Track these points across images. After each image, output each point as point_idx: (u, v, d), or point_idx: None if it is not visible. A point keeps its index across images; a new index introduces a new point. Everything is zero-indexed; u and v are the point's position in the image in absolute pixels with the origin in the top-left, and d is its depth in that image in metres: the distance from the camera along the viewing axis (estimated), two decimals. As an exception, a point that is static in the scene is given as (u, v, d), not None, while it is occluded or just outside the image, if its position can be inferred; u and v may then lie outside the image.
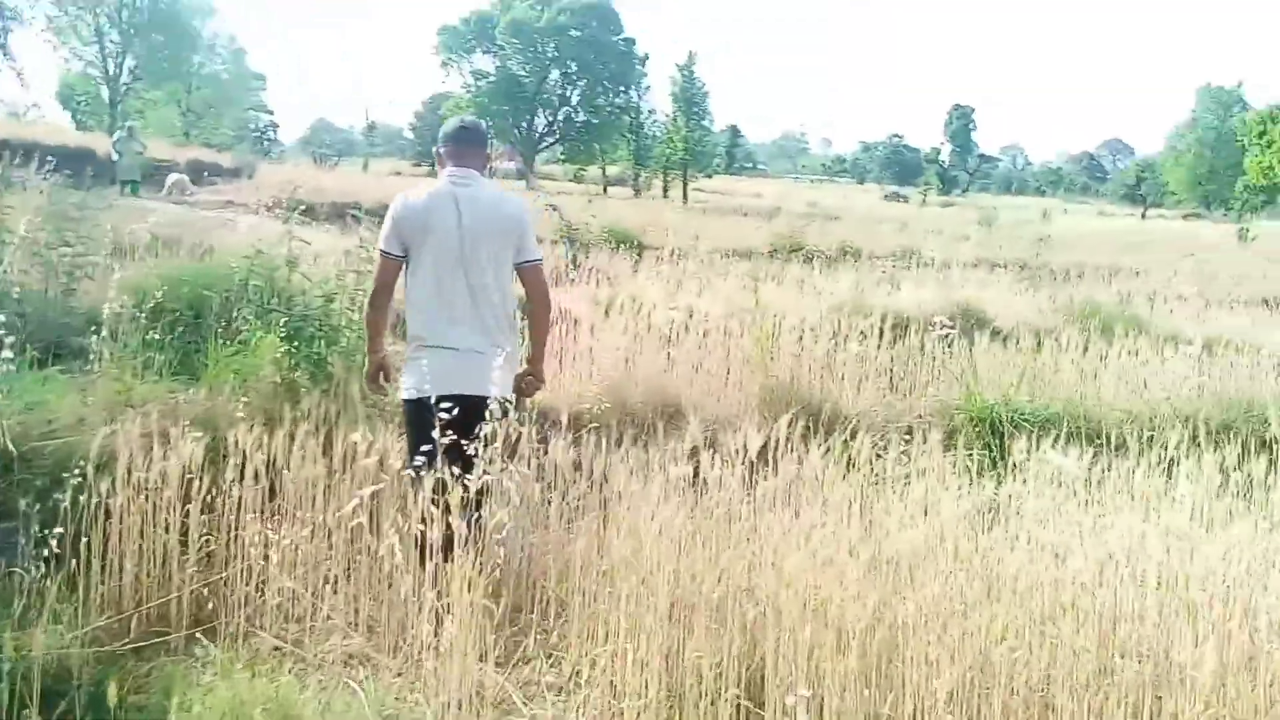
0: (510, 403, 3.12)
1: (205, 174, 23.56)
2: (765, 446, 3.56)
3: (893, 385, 6.53)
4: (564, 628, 3.11)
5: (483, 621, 2.59)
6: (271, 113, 68.89)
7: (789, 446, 3.60)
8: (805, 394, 5.70)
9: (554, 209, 13.40)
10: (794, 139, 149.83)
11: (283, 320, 4.63)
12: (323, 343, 4.65)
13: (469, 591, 2.50)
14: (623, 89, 41.66)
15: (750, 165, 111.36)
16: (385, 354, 3.61)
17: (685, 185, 45.19)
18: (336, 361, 4.51)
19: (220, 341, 4.82)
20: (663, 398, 5.54)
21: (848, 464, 3.71)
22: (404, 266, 3.39)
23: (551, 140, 43.11)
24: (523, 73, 39.74)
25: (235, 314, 5.00)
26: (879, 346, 6.56)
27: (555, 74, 41.01)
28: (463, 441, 2.84)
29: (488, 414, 2.84)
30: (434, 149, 3.57)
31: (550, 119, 42.06)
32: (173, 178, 20.87)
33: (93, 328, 4.30)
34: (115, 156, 20.54)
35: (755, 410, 5.63)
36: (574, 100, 41.73)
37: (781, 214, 28.00)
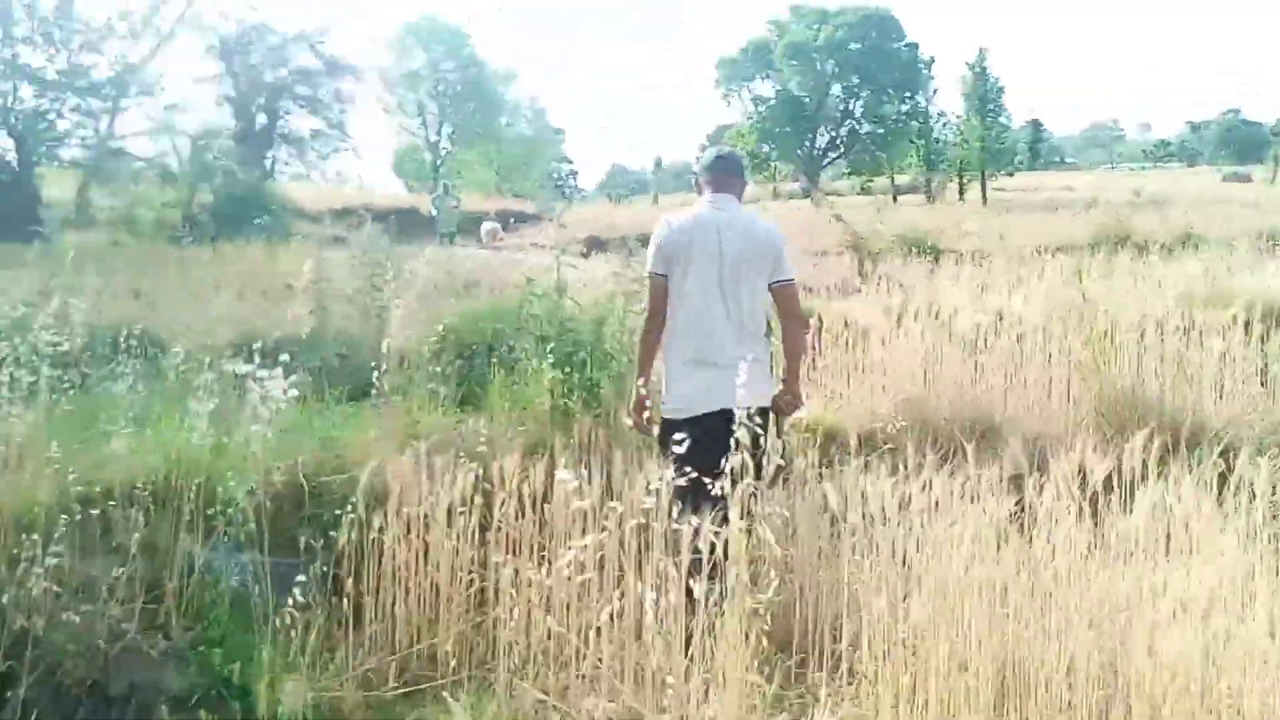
0: (766, 416, 3.12)
1: (512, 220, 25.45)
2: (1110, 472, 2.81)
3: (1268, 389, 5.28)
4: (858, 696, 2.54)
5: (753, 690, 2.12)
6: (571, 162, 74.01)
7: (1144, 472, 2.81)
8: (1153, 404, 4.72)
9: (838, 218, 12.79)
10: (1106, 127, 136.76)
11: (553, 347, 4.51)
12: (593, 367, 4.47)
13: (736, 656, 2.05)
14: (908, 95, 39.85)
15: (1058, 160, 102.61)
16: (650, 384, 3.51)
17: (984, 185, 42.25)
18: (607, 385, 4.31)
19: (500, 372, 4.80)
20: (972, 413, 4.81)
21: (1221, 490, 2.87)
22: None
23: (835, 155, 42.13)
24: (803, 92, 39.22)
25: (514, 344, 4.98)
26: (1246, 342, 5.33)
27: (836, 89, 40.09)
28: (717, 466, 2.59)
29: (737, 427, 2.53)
30: (693, 178, 3.70)
31: (833, 134, 41.12)
32: (486, 226, 22.62)
33: (374, 364, 4.39)
34: (434, 213, 22.66)
35: (1090, 426, 4.74)
36: (857, 113, 40.53)
37: (1100, 205, 25.24)
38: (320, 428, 4.21)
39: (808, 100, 39.12)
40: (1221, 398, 4.99)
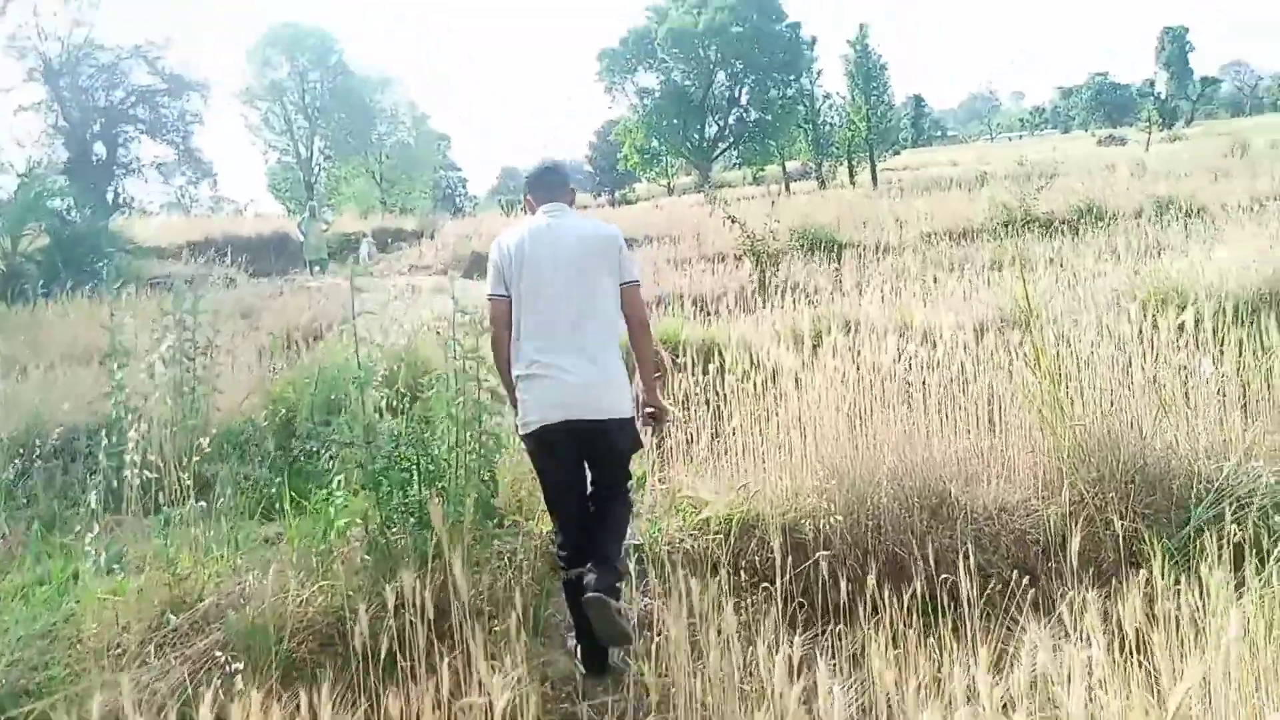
0: (627, 430, 3.25)
1: (390, 241, 23.93)
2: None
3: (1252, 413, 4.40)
4: None
5: None
6: (460, 169, 71.84)
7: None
8: (1134, 449, 3.80)
9: (732, 220, 11.84)
10: (983, 97, 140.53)
11: (363, 455, 3.31)
12: (422, 483, 3.30)
13: None
14: (793, 78, 39.38)
15: (939, 134, 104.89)
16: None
17: (874, 167, 42.31)
18: (446, 506, 3.15)
19: (300, 485, 3.59)
20: (918, 482, 3.81)
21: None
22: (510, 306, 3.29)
23: (725, 146, 41.46)
24: (688, 82, 38.33)
25: (316, 447, 3.78)
26: (1221, 352, 4.48)
27: (721, 76, 39.34)
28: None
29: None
30: (523, 195, 3.55)
31: (721, 124, 40.42)
32: (362, 249, 21.05)
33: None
34: (301, 237, 20.94)
35: (1058, 483, 3.80)
36: (744, 100, 39.87)
37: (990, 180, 25.07)
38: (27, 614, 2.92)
39: (693, 89, 38.30)
40: (1224, 435, 4.07)
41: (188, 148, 20.84)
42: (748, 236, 11.86)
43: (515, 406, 3.28)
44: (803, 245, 13.71)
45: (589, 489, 3.29)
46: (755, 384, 4.65)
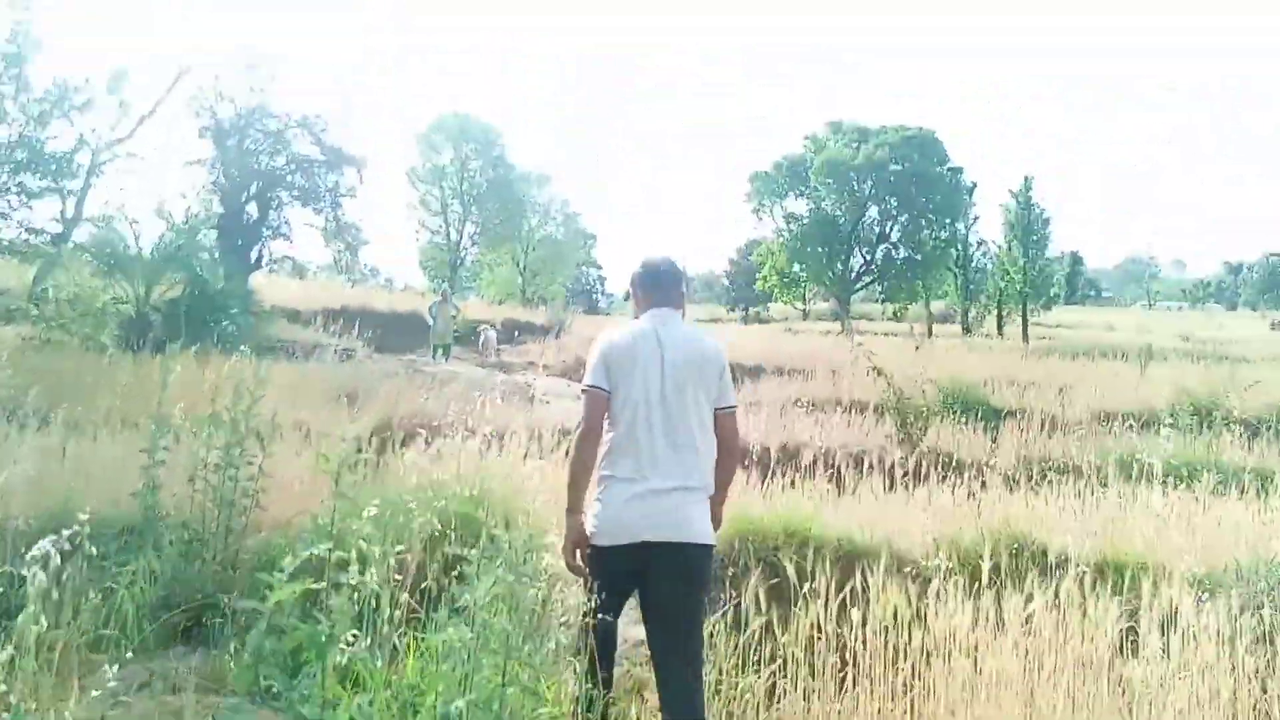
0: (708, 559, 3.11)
1: (516, 333, 23.60)
2: None
3: None
4: None
5: None
6: (600, 267, 72.99)
7: None
8: None
9: (878, 372, 10.56)
10: (1142, 261, 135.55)
11: None
12: None
13: None
14: (948, 221, 38.14)
15: (1094, 293, 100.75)
16: (584, 516, 3.13)
17: (1025, 321, 40.19)
18: None
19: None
20: None
21: None
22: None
23: (869, 280, 40.25)
24: (838, 212, 37.56)
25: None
26: None
27: (873, 211, 38.47)
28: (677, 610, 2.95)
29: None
30: (629, 290, 3.45)
31: (867, 257, 39.32)
32: (484, 336, 20.62)
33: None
34: (430, 321, 20.75)
35: None
36: (894, 236, 38.78)
37: (1160, 355, 22.95)
38: None
39: (842, 220, 37.47)
40: None
41: (337, 218, 21.09)
42: (893, 391, 10.55)
43: (571, 511, 3.12)
44: (952, 407, 12.25)
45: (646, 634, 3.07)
46: (904, 640, 3.39)
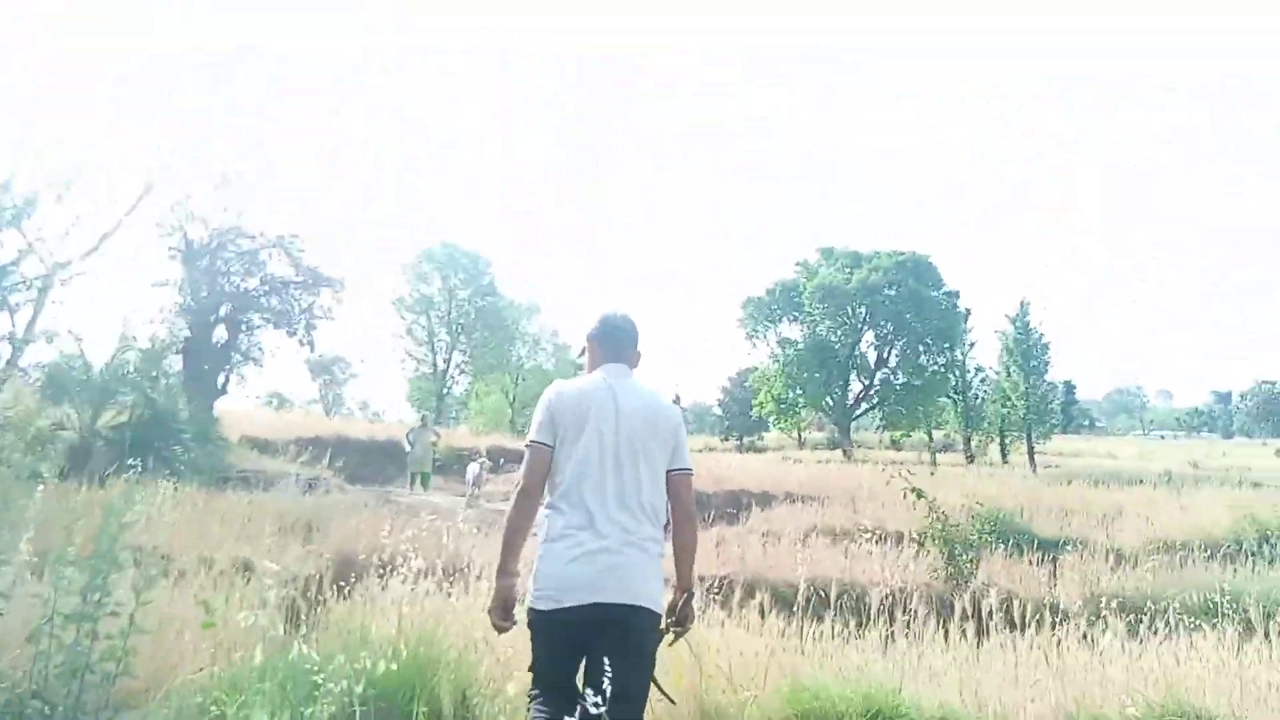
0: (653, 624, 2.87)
1: (502, 461, 22.15)
2: None
3: None
4: None
5: None
6: (590, 399, 71.72)
7: None
8: None
9: (918, 495, 9.11)
10: (1129, 391, 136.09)
11: None
12: None
13: None
14: (946, 346, 37.31)
15: (1087, 423, 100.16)
16: (516, 579, 2.95)
17: (1031, 449, 38.91)
18: None
19: None
20: None
21: None
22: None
23: (868, 406, 39.06)
24: (833, 338, 36.69)
25: None
26: None
27: (870, 335, 37.66)
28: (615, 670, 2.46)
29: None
30: (584, 345, 3.28)
31: (866, 382, 38.22)
32: (471, 469, 18.95)
33: None
34: (408, 447, 19.32)
35: None
36: (892, 362, 37.82)
37: (1174, 480, 21.67)
38: None
39: (839, 345, 36.56)
40: None
41: (311, 341, 19.88)
42: (937, 517, 9.09)
43: (505, 573, 2.90)
44: (993, 535, 10.75)
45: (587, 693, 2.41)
46: None
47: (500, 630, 2.98)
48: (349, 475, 19.05)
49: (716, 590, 8.47)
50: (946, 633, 6.16)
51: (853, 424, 40.44)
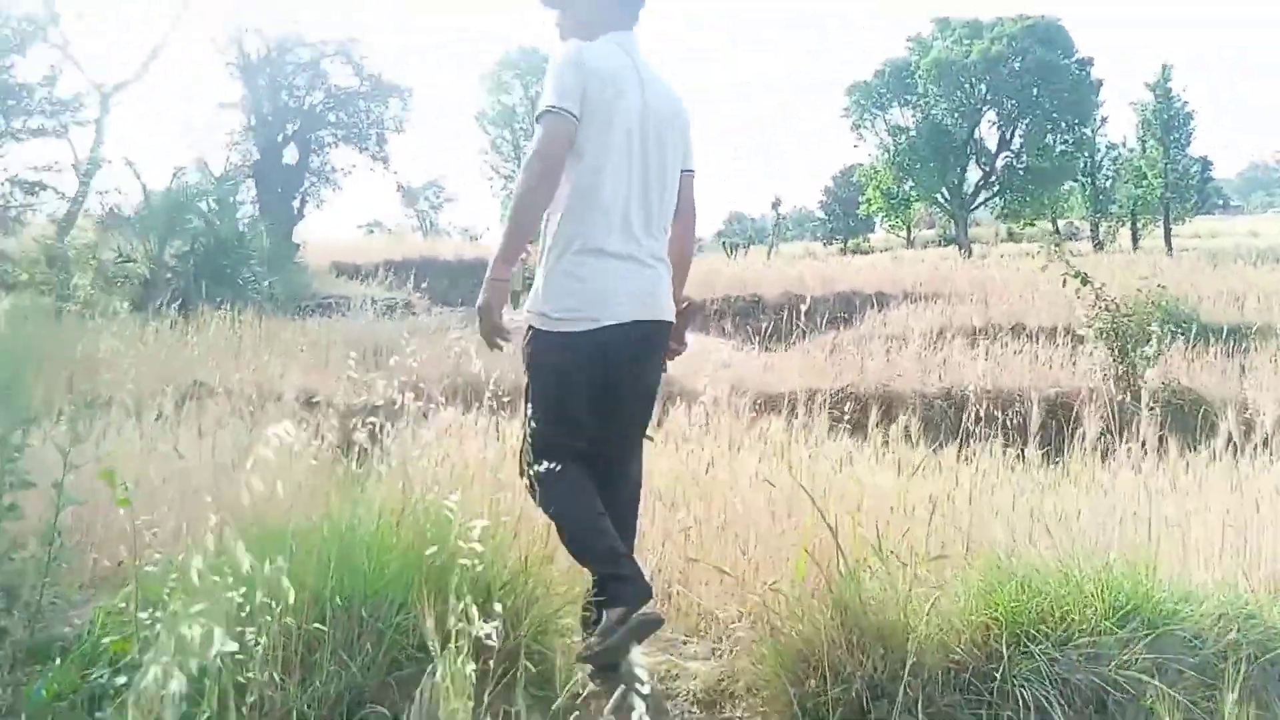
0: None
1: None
2: None
3: None
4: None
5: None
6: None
7: None
8: None
9: (1081, 279, 7.50)
10: (1269, 167, 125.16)
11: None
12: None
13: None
14: (1076, 122, 33.61)
15: (1220, 203, 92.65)
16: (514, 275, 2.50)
17: (1168, 231, 35.60)
18: None
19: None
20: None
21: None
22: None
23: (988, 195, 36.04)
24: (949, 121, 33.37)
25: None
26: None
27: (991, 115, 34.17)
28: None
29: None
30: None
31: (986, 168, 35.05)
32: None
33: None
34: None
35: None
36: (1015, 144, 34.40)
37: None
38: None
39: (955, 129, 33.31)
40: None
41: (385, 157, 18.73)
42: (1104, 306, 7.50)
43: (505, 262, 2.39)
44: (1165, 325, 9.06)
45: None
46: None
47: (501, 336, 2.40)
48: (437, 297, 18.34)
49: (835, 408, 7.24)
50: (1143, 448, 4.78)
51: (969, 217, 37.66)
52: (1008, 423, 6.88)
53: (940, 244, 48.08)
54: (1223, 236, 46.96)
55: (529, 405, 2.47)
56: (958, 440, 5.47)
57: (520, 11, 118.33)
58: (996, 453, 5.73)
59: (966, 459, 5.00)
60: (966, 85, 32.80)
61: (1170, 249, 34.63)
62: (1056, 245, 10.40)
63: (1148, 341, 7.46)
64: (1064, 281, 7.68)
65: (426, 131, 52.48)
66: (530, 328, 2.46)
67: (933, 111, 33.35)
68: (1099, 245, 36.13)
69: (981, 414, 6.13)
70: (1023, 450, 5.19)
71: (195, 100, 35.20)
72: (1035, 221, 37.49)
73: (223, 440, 4.96)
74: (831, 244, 58.98)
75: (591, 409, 2.42)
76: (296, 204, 17.78)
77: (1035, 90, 32.19)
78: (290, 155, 17.93)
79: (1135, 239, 36.37)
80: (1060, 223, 47.07)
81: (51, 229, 12.76)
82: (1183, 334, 8.46)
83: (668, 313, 2.54)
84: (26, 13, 12.78)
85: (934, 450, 5.38)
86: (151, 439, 4.66)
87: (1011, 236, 47.51)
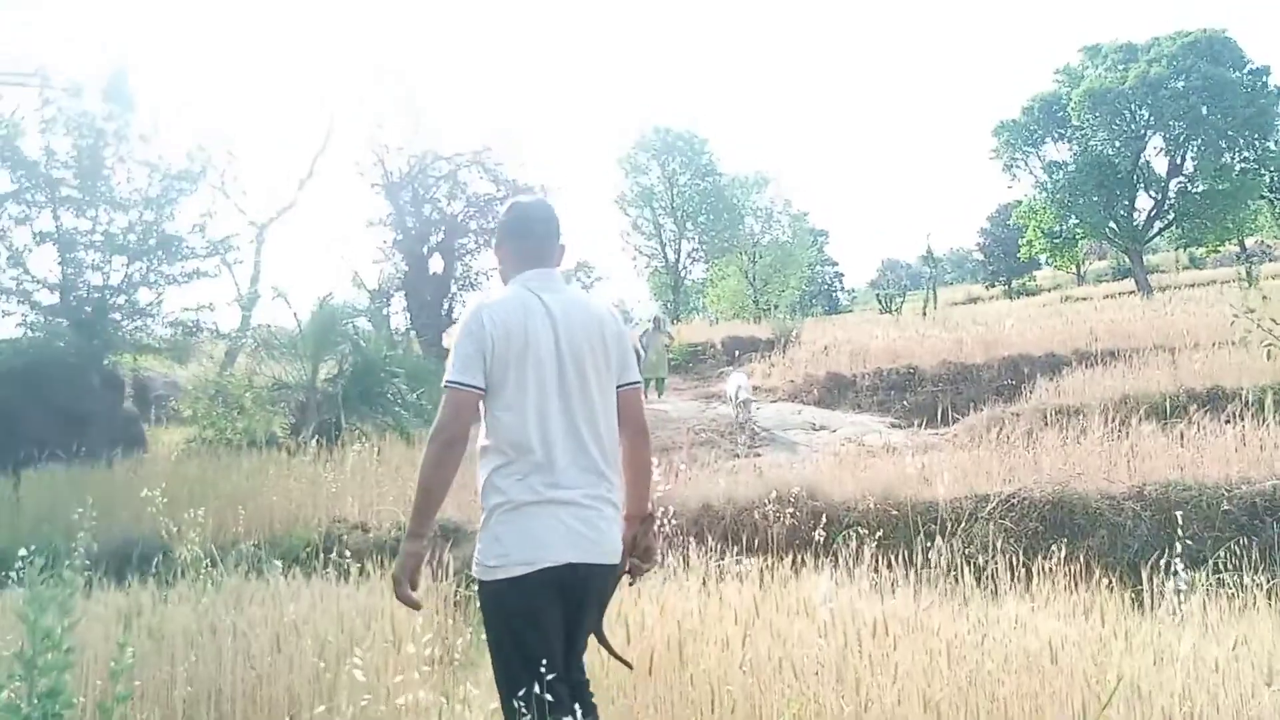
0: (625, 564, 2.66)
1: (738, 353, 20.55)
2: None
3: None
4: None
5: None
6: (836, 264, 68.17)
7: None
8: None
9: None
10: None
11: None
12: None
13: None
14: (1256, 137, 30.74)
15: None
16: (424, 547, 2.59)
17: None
18: None
19: None
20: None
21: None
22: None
23: (1163, 225, 33.30)
24: (1110, 150, 31.11)
25: None
26: None
27: (1157, 141, 31.72)
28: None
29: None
30: (494, 246, 2.89)
31: (1157, 196, 32.44)
32: (735, 382, 13.61)
33: None
34: (641, 353, 18.20)
35: None
36: (1188, 167, 31.75)
37: None
38: None
39: (1118, 159, 31.05)
40: None
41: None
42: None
43: (416, 536, 2.52)
44: None
45: None
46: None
47: (412, 606, 2.62)
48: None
49: (1004, 518, 6.36)
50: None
51: (1146, 247, 34.90)
52: (1221, 533, 5.85)
53: (1114, 277, 44.83)
54: None
55: (493, 661, 2.53)
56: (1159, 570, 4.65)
57: (646, 94, 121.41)
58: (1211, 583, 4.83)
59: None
60: (1126, 112, 30.62)
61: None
62: (1249, 275, 9.13)
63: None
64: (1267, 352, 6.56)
65: (571, 221, 53.81)
66: (478, 581, 2.54)
67: (1091, 143, 31.25)
68: (1299, 267, 32.74)
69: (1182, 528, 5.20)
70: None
71: (345, 223, 37.47)
72: (1220, 247, 34.41)
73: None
74: (995, 286, 56.09)
75: (542, 643, 2.44)
76: (444, 310, 18.26)
77: (1205, 109, 29.69)
78: (436, 265, 18.48)
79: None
80: (1249, 241, 43.07)
81: (213, 366, 13.45)
82: None
83: (609, 554, 2.53)
84: (183, 167, 13.71)
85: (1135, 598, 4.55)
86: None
87: (1193, 263, 43.83)
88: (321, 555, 6.12)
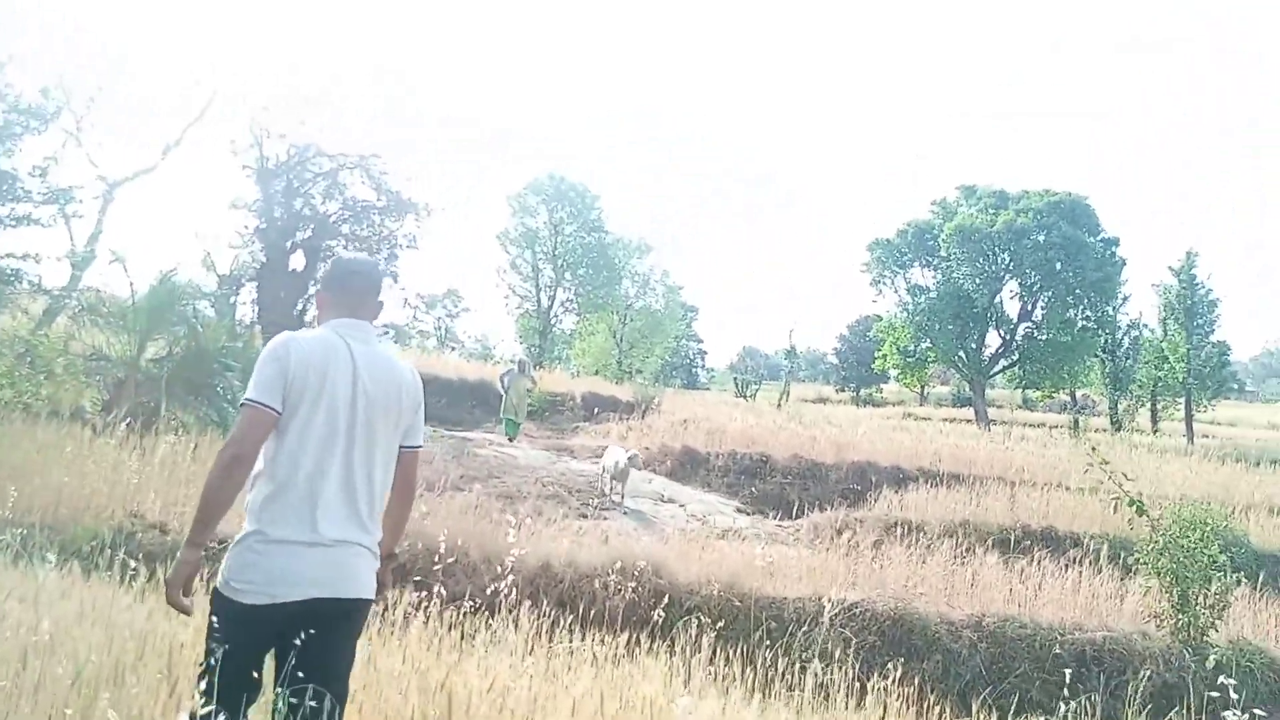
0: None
1: (596, 410, 20.25)
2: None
3: None
4: None
5: None
6: (701, 341, 69.45)
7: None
8: None
9: (1140, 510, 6.57)
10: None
11: None
12: None
13: None
14: (1100, 300, 33.38)
15: (1235, 388, 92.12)
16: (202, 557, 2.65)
17: (1189, 417, 34.90)
18: None
19: None
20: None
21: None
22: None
23: (1007, 364, 35.45)
24: (970, 286, 33.08)
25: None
26: None
27: (1013, 285, 33.93)
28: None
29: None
30: (315, 293, 3.30)
31: (1006, 336, 34.57)
32: (615, 456, 11.96)
33: None
34: (501, 393, 17.60)
35: None
36: (1036, 315, 34.04)
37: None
38: None
39: (976, 295, 32.96)
40: None
41: (394, 273, 18.26)
42: (1157, 539, 6.55)
43: (194, 545, 2.54)
44: (1223, 555, 8.05)
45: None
46: None
47: (183, 611, 2.61)
48: (430, 417, 17.56)
49: (845, 627, 6.19)
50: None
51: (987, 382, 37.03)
52: (1049, 676, 5.84)
53: (954, 404, 47.39)
54: (1242, 425, 46.10)
55: (205, 654, 2.52)
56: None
57: (547, 141, 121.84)
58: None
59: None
60: (990, 253, 32.66)
61: (1191, 435, 33.85)
62: (1076, 426, 9.50)
63: (1207, 581, 6.48)
64: (1113, 506, 6.76)
65: (439, 244, 52.76)
66: (214, 589, 2.55)
67: (954, 275, 33.12)
68: (1117, 425, 35.36)
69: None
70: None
71: (206, 200, 35.24)
72: (1054, 394, 36.86)
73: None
74: (844, 390, 58.44)
75: (246, 666, 2.47)
76: (297, 309, 17.18)
77: (1059, 264, 32.01)
78: (297, 261, 17.43)
79: (1155, 420, 35.62)
80: (1079, 394, 46.43)
81: (27, 322, 12.06)
82: (1243, 572, 7.47)
83: (361, 589, 2.59)
84: (36, 103, 12.41)
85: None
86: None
87: (1026, 404, 46.87)
88: (108, 552, 5.44)
